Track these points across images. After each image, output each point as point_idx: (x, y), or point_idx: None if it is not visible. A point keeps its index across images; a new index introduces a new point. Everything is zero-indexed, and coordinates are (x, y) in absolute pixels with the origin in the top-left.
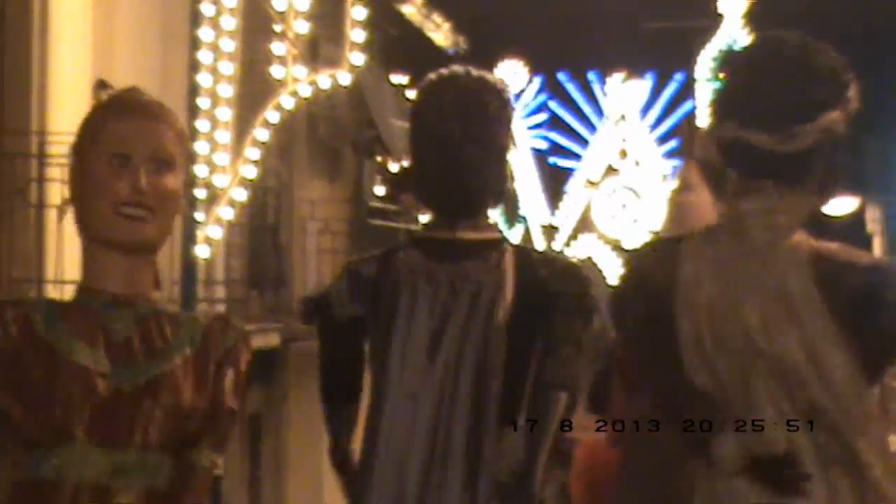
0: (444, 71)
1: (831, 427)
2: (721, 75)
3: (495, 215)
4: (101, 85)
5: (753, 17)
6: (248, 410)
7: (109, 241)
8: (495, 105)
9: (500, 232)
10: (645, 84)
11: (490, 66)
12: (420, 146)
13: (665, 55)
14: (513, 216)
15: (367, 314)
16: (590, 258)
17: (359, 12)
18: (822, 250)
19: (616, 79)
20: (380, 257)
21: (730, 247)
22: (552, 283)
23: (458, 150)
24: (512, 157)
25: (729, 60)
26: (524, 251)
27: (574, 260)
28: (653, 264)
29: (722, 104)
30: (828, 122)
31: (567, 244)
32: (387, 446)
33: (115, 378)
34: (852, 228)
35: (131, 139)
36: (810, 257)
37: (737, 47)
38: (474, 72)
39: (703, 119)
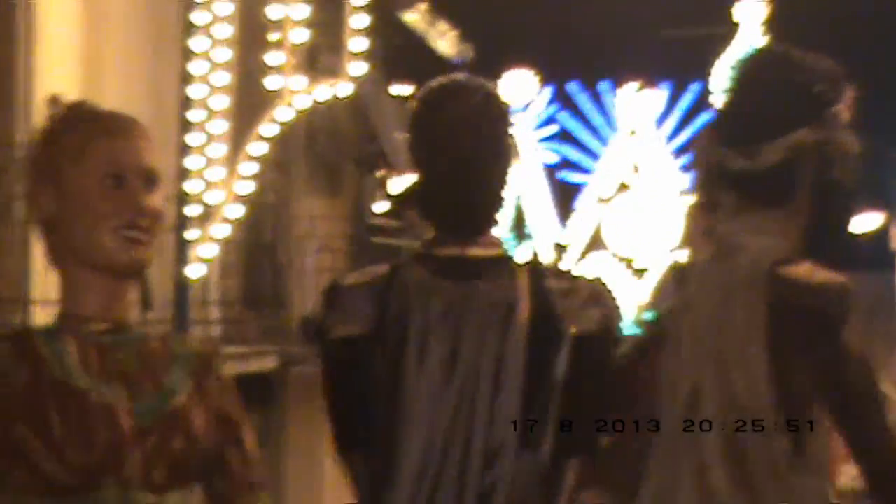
0: (445, 80)
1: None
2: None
3: (503, 232)
4: (54, 101)
5: (773, 25)
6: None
7: (108, 266)
8: (501, 116)
9: (508, 248)
10: (660, 95)
11: (498, 76)
12: (424, 159)
13: (681, 64)
14: (521, 234)
15: (372, 334)
16: (600, 278)
17: (359, 20)
18: (783, 273)
19: (629, 89)
20: (384, 274)
21: (716, 274)
22: (570, 308)
23: (467, 164)
24: (516, 170)
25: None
26: (537, 267)
27: (592, 278)
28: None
29: (711, 127)
30: (797, 139)
31: (577, 262)
32: (402, 472)
33: (137, 414)
34: (877, 246)
35: (123, 158)
36: (771, 280)
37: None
38: (476, 80)
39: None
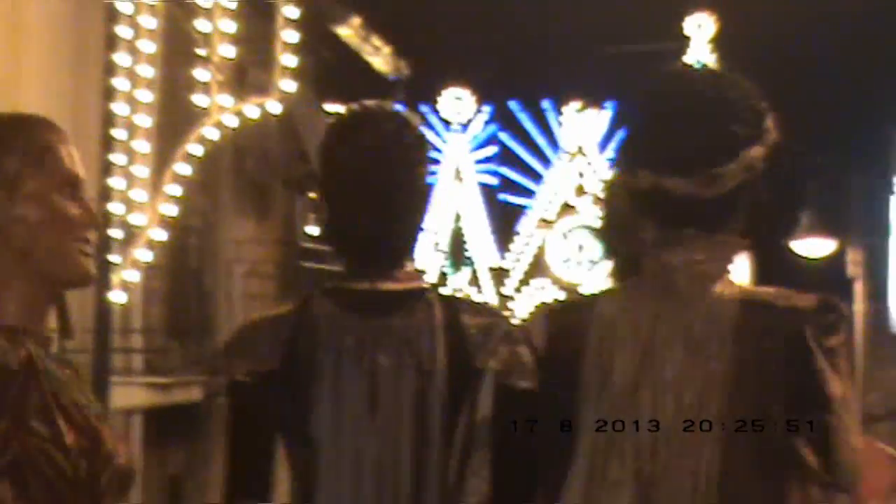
0: (356, 107)
1: None
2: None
3: (440, 258)
4: None
5: (721, 42)
6: (169, 471)
7: (68, 278)
8: (416, 146)
9: (424, 281)
10: (604, 114)
11: (435, 94)
12: (334, 190)
13: (626, 82)
14: (459, 259)
15: (278, 372)
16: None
17: (290, 35)
18: (749, 296)
19: (573, 108)
20: (292, 310)
21: (653, 303)
22: (483, 345)
23: (379, 196)
24: (438, 199)
25: (633, 103)
26: (452, 302)
27: (505, 314)
28: (565, 324)
29: (632, 151)
30: (750, 158)
31: (518, 289)
32: None
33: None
34: (831, 272)
35: (76, 165)
36: (737, 305)
37: (640, 87)
38: (388, 108)
39: (613, 169)
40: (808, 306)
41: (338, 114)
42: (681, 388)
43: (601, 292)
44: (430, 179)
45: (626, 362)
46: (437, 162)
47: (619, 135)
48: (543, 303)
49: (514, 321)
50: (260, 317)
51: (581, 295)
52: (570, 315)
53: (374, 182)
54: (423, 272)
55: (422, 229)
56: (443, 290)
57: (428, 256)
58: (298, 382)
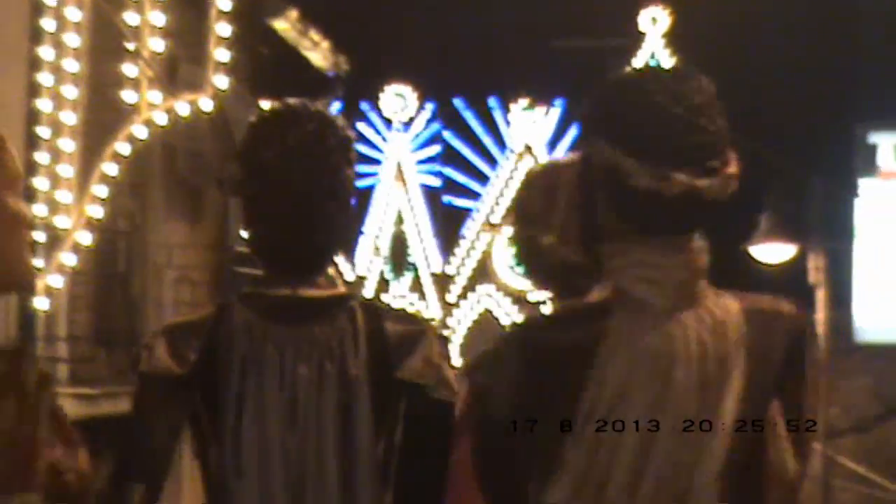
0: (278, 106)
1: None
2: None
3: (380, 263)
4: None
5: (676, 38)
6: (96, 487)
7: (19, 283)
8: (341, 147)
9: (344, 288)
10: (553, 112)
11: (376, 91)
12: (254, 192)
13: (577, 79)
14: (400, 264)
15: (190, 377)
16: (488, 312)
17: (223, 28)
18: (748, 303)
19: (520, 106)
20: (209, 316)
21: (634, 315)
22: (405, 357)
23: (301, 198)
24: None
25: (616, 91)
26: (374, 309)
27: (427, 323)
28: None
29: (632, 146)
30: (734, 159)
31: (463, 296)
32: None
33: None
34: (791, 279)
35: (20, 169)
36: (739, 312)
37: (614, 78)
38: (311, 107)
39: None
40: (801, 315)
41: (259, 113)
42: (696, 402)
43: (590, 305)
44: (356, 182)
45: (642, 382)
46: (376, 162)
47: (573, 133)
48: (524, 320)
49: (449, 330)
50: (175, 322)
51: (569, 308)
52: (567, 330)
53: (296, 185)
54: (363, 279)
55: (346, 234)
56: (365, 298)
57: (367, 261)
58: (213, 392)
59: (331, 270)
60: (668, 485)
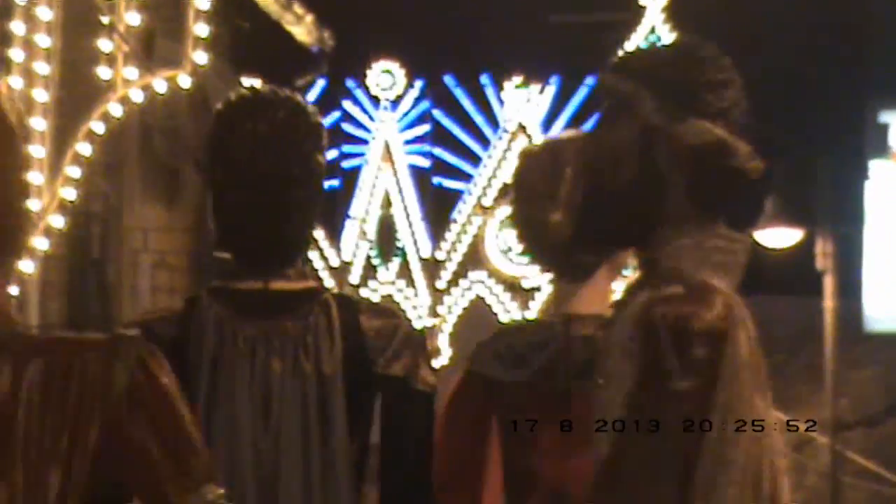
0: (246, 93)
1: None
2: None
3: (367, 248)
4: None
5: (677, 12)
6: None
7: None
8: (309, 134)
9: (316, 281)
10: (549, 90)
11: (362, 68)
12: (223, 183)
13: (573, 55)
14: (388, 249)
15: None
16: (480, 299)
17: (202, 2)
18: None
19: (514, 83)
20: (178, 315)
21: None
22: (379, 350)
23: (271, 188)
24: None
25: (702, 62)
26: (349, 303)
27: (406, 319)
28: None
29: (716, 117)
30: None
31: (453, 282)
32: None
33: None
34: (798, 265)
35: None
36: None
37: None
38: (281, 94)
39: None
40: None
41: (227, 100)
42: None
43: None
44: (326, 170)
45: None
46: (363, 142)
47: (568, 111)
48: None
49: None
50: (143, 319)
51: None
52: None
53: (265, 174)
54: (348, 264)
55: (315, 226)
56: (338, 291)
57: (353, 246)
58: (182, 390)
59: (312, 259)
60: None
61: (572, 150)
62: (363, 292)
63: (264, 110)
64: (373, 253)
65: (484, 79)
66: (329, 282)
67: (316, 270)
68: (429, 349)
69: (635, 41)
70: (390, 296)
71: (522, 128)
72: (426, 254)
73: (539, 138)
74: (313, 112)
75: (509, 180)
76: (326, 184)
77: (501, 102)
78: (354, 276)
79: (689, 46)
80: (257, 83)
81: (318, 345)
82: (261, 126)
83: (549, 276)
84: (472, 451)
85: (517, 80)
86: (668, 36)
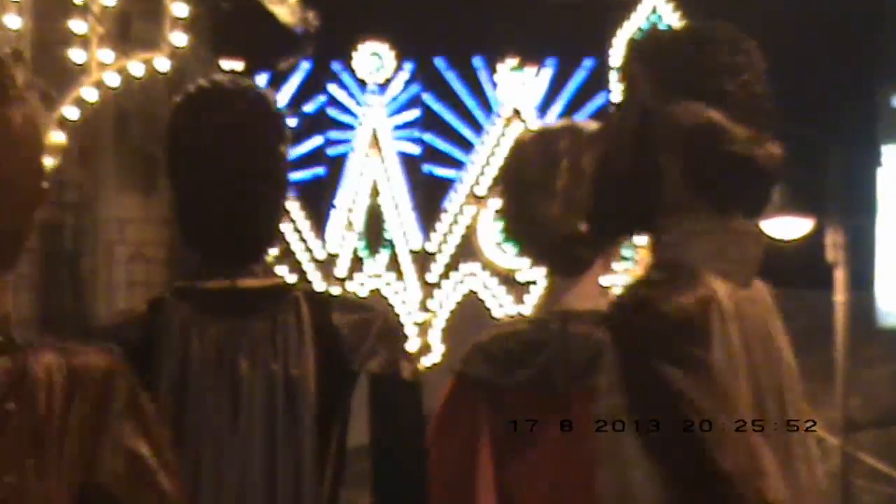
0: (206, 84)
1: None
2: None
3: (354, 239)
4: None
5: None
6: None
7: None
8: (274, 126)
9: (283, 277)
10: (545, 73)
11: (349, 50)
12: (184, 177)
13: (570, 36)
14: (376, 240)
15: None
16: (473, 293)
17: None
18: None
19: (508, 66)
20: (142, 317)
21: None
22: (357, 345)
23: (235, 184)
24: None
25: (700, 44)
26: (320, 299)
27: (383, 310)
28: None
29: (712, 100)
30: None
31: (445, 275)
32: None
33: None
34: (807, 257)
35: None
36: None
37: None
38: (242, 84)
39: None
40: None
41: (186, 92)
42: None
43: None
44: (289, 162)
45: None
46: (350, 128)
47: (566, 95)
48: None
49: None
50: (106, 322)
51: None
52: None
53: (227, 167)
54: (335, 256)
55: (280, 219)
56: (309, 287)
57: (340, 238)
58: (149, 392)
59: (273, 256)
60: None
61: (567, 140)
62: (350, 286)
63: (224, 102)
64: (360, 245)
65: (477, 61)
66: (314, 275)
67: (299, 263)
68: (406, 339)
69: (636, 22)
70: (378, 290)
71: (517, 113)
72: (416, 245)
73: (535, 124)
74: (274, 101)
75: (499, 172)
76: (311, 171)
77: (495, 86)
78: (341, 269)
79: (702, 29)
80: (238, 66)
81: (287, 344)
82: (221, 118)
83: (544, 269)
84: (467, 462)
85: (512, 62)
86: (670, 16)
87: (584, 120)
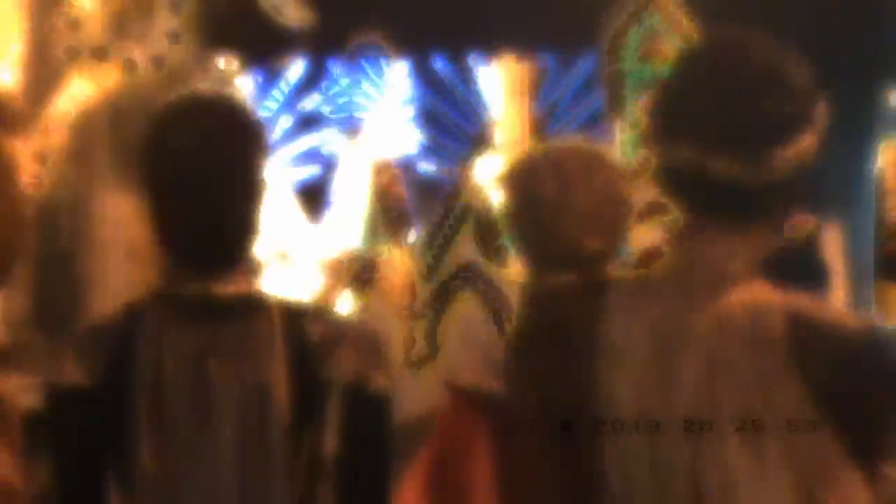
0: (184, 95)
1: None
2: (670, 81)
3: (355, 237)
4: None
5: None
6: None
7: None
8: (251, 137)
9: (260, 284)
10: (541, 69)
11: (343, 45)
12: (160, 182)
13: (567, 32)
14: (375, 238)
15: (97, 390)
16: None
17: None
18: (795, 308)
19: (504, 62)
20: (115, 320)
21: (672, 299)
22: (327, 357)
23: (211, 188)
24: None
25: (679, 62)
26: (293, 307)
27: (358, 322)
28: (559, 315)
29: (670, 117)
30: (803, 145)
31: (442, 274)
32: None
33: None
34: (803, 255)
35: None
36: (782, 315)
37: (686, 45)
38: (222, 94)
39: (641, 135)
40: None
41: (163, 103)
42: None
43: (607, 283)
44: (266, 171)
45: (640, 370)
46: (346, 126)
47: (563, 94)
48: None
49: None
50: (87, 326)
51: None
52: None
53: (203, 178)
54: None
55: (257, 223)
56: (282, 296)
57: (339, 236)
58: (119, 403)
59: (276, 255)
60: None
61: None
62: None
63: (200, 114)
64: (361, 245)
65: (472, 58)
66: (310, 274)
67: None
68: (383, 352)
69: (634, 18)
70: (322, 306)
71: (514, 110)
72: (411, 244)
73: (534, 123)
74: (251, 110)
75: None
76: (307, 171)
77: (492, 83)
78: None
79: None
80: (233, 63)
81: (259, 351)
82: (198, 130)
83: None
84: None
85: (508, 58)
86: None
87: (590, 139)
